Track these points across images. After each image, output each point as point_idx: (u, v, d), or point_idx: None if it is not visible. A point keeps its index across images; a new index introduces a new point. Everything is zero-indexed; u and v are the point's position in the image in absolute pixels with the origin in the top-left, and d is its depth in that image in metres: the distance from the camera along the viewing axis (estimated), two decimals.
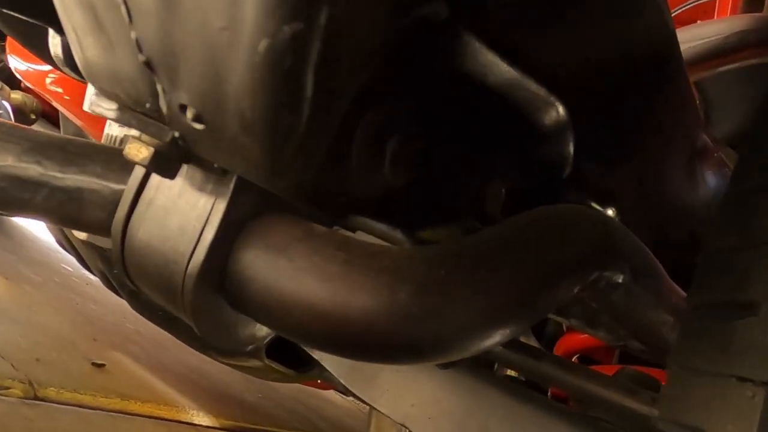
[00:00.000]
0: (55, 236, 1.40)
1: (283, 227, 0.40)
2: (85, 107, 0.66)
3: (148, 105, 0.32)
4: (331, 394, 3.53)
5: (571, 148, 0.56)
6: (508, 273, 0.40)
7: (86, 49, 0.33)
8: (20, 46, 1.25)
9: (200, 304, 0.39)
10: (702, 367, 0.36)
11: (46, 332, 1.62)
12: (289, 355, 1.31)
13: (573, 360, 1.13)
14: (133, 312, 2.40)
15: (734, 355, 0.33)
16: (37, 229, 3.16)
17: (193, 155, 0.38)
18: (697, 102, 1.06)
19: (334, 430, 2.79)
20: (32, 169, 0.47)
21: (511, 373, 1.26)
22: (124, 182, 0.45)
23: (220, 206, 0.38)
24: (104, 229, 0.47)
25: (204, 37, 0.26)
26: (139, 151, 0.37)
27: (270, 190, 0.36)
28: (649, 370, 0.88)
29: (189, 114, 0.29)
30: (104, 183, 0.46)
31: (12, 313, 1.59)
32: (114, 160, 0.47)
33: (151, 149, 0.37)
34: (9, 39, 1.26)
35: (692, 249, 0.64)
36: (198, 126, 0.30)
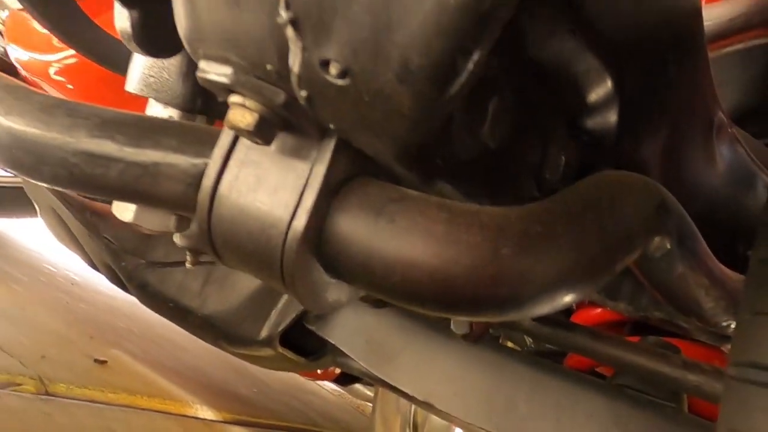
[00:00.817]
0: (55, 232, 1.37)
1: (378, 190, 0.40)
2: (129, 87, 0.65)
3: (269, 66, 0.33)
4: (319, 389, 3.54)
5: (616, 120, 0.58)
6: (594, 231, 0.42)
7: (200, 11, 0.33)
8: (21, 35, 1.22)
9: (301, 268, 0.39)
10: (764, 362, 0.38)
11: (45, 330, 1.59)
12: (299, 344, 1.31)
13: None
14: (124, 311, 2.36)
15: None
16: (13, 229, 3.08)
17: (293, 121, 0.38)
18: None
19: (328, 422, 2.80)
20: (105, 144, 0.47)
21: (510, 345, 1.29)
22: (203, 155, 0.45)
23: (320, 169, 0.39)
24: (181, 204, 0.47)
25: None
26: (243, 117, 0.37)
27: (391, 149, 0.36)
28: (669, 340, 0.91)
29: (333, 69, 0.30)
30: (182, 156, 0.46)
31: (8, 312, 1.56)
32: (190, 134, 0.47)
33: (256, 115, 0.37)
34: (7, 28, 1.23)
35: (711, 222, 0.67)
36: (341, 82, 0.30)
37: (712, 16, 0.98)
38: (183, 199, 0.47)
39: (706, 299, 0.66)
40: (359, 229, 0.39)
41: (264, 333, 1.26)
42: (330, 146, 0.39)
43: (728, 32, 0.97)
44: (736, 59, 1.01)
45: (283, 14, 0.29)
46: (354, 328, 1.14)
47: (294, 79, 0.32)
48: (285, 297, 1.29)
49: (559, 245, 0.39)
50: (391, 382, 1.05)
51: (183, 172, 0.46)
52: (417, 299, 0.39)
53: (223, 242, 0.44)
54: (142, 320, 2.17)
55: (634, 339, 1.04)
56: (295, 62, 0.31)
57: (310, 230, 0.39)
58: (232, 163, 0.43)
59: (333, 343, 1.16)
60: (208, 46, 0.35)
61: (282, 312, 1.26)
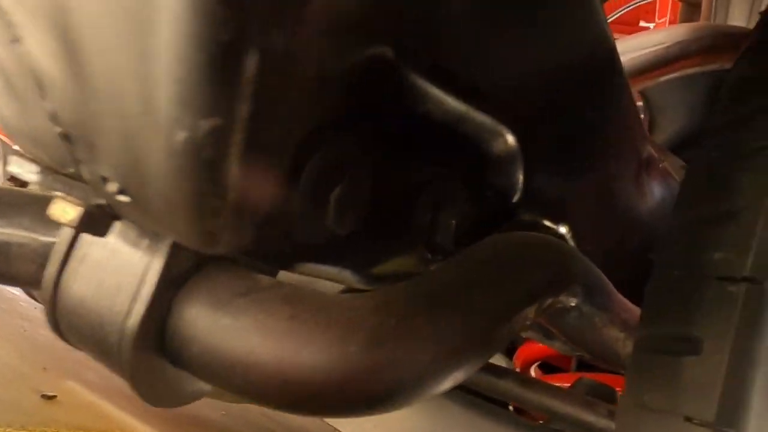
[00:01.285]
0: None
1: (225, 282, 0.38)
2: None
3: (71, 170, 0.30)
4: None
5: (521, 174, 0.56)
6: (462, 315, 0.39)
7: (2, 108, 0.31)
8: None
9: (138, 364, 0.37)
10: (651, 404, 0.36)
11: None
12: None
13: (533, 367, 1.15)
14: None
15: (681, 393, 0.33)
16: None
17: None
18: (643, 109, 1.08)
19: None
20: None
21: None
22: (54, 235, 0.43)
23: (157, 264, 0.36)
24: (35, 283, 0.45)
25: (121, 119, 0.24)
26: (66, 212, 0.35)
27: (212, 251, 0.34)
28: (607, 377, 0.90)
29: (112, 187, 0.27)
30: (33, 236, 0.43)
31: None
32: (43, 210, 0.45)
33: (79, 209, 0.35)
34: None
35: (644, 261, 0.65)
36: (123, 198, 0.28)
37: (648, 43, 0.97)
38: (36, 277, 0.44)
39: (623, 348, 0.64)
40: (201, 326, 0.37)
41: (198, 398, 1.22)
42: (166, 239, 0.36)
43: (665, 60, 0.95)
44: (676, 86, 0.99)
45: (55, 128, 0.27)
46: None
47: (90, 187, 0.30)
48: None
49: (418, 336, 0.37)
50: (333, 425, 1.03)
51: (33, 252, 0.43)
52: (264, 400, 0.37)
53: (67, 328, 0.41)
54: None
55: (575, 376, 1.02)
56: (84, 172, 0.29)
57: (146, 326, 0.36)
58: (78, 248, 0.40)
59: None
60: (18, 142, 0.33)
61: None
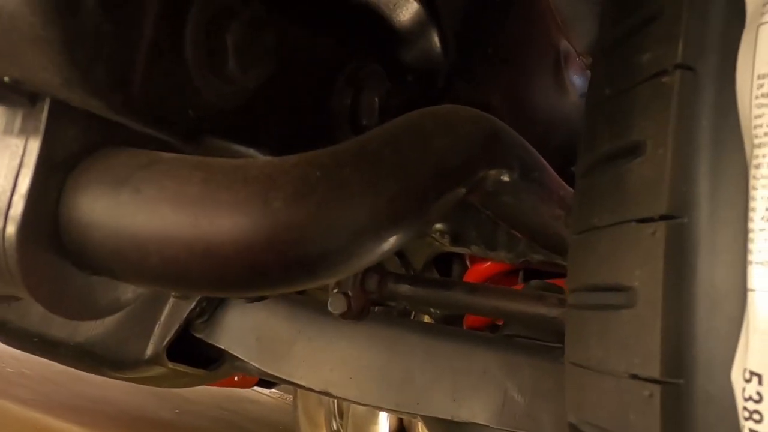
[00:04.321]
0: None
1: (125, 159, 0.33)
2: None
3: None
4: (254, 394, 3.41)
5: (438, 49, 0.53)
6: (391, 169, 0.36)
7: None
8: None
9: (30, 265, 0.31)
10: (595, 366, 0.34)
11: None
12: (195, 355, 1.22)
13: None
14: (13, 353, 2.15)
15: (622, 350, 0.31)
16: None
17: None
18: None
19: (264, 428, 2.70)
20: None
21: (427, 320, 1.26)
22: None
23: (34, 144, 0.31)
24: None
25: None
26: None
27: (85, 107, 0.29)
28: (557, 281, 0.90)
29: None
30: None
31: None
32: None
33: None
34: None
35: (571, 154, 0.64)
36: None
37: None
38: None
39: (564, 227, 0.64)
40: (100, 209, 0.32)
41: (149, 351, 1.15)
42: (42, 114, 0.31)
43: None
44: None
45: None
46: (243, 328, 1.07)
47: None
48: (168, 307, 1.19)
49: (347, 187, 0.33)
50: (288, 378, 0.99)
51: None
52: (187, 282, 0.32)
53: None
54: (33, 360, 1.97)
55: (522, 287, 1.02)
56: None
57: (32, 219, 0.31)
58: None
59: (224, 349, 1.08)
60: None
61: (166, 324, 1.16)
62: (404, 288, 0.76)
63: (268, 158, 0.33)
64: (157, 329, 1.17)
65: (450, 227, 0.87)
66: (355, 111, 0.47)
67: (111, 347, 1.15)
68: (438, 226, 0.88)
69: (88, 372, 1.18)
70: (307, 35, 0.43)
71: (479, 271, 1.08)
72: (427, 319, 1.22)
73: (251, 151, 0.41)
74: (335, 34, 0.46)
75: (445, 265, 1.19)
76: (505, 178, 0.52)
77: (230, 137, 0.38)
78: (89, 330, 1.19)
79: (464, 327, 1.11)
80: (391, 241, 0.36)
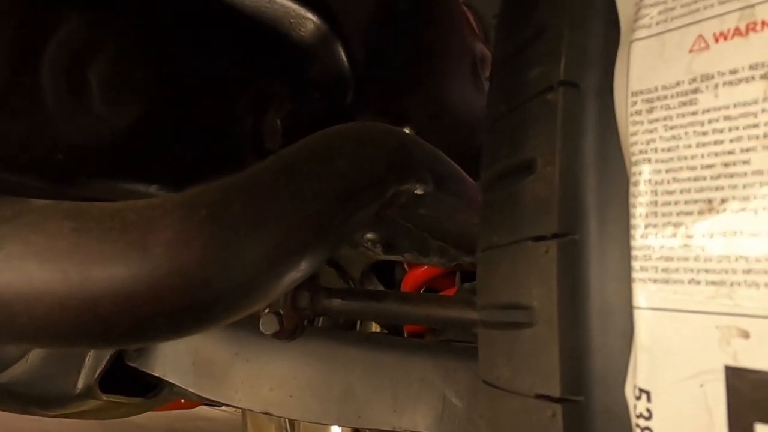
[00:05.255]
0: None
1: None
2: None
3: None
4: (212, 411, 3.33)
5: (345, 62, 0.52)
6: (287, 199, 0.35)
7: None
8: None
9: None
10: (504, 385, 0.34)
11: None
12: (131, 383, 1.17)
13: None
14: None
15: (525, 370, 0.32)
16: None
17: None
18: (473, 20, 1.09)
19: None
20: None
21: (376, 328, 1.25)
22: None
23: None
24: None
25: None
26: None
27: None
28: None
29: None
30: None
31: None
32: None
33: None
34: None
35: None
36: None
37: None
38: None
39: None
40: None
41: (81, 384, 1.09)
42: None
43: None
44: None
45: None
46: (177, 353, 1.03)
47: None
48: None
49: (239, 225, 0.32)
50: (226, 402, 0.96)
51: None
52: (66, 339, 0.30)
53: None
54: None
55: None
56: None
57: None
58: None
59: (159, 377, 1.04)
60: None
61: (97, 356, 1.10)
62: (337, 302, 0.75)
63: (150, 200, 0.31)
64: (88, 361, 1.12)
65: (381, 237, 0.87)
66: (258, 134, 0.46)
67: (36, 385, 1.10)
68: (369, 235, 0.87)
69: (16, 413, 1.11)
70: (199, 61, 0.41)
71: (416, 275, 1.08)
72: (375, 326, 1.21)
73: (144, 188, 0.38)
74: (231, 55, 0.45)
75: (388, 271, 1.19)
76: (419, 192, 0.51)
77: (116, 176, 0.35)
78: (13, 369, 1.12)
79: (405, 332, 1.10)
80: (299, 269, 0.35)
